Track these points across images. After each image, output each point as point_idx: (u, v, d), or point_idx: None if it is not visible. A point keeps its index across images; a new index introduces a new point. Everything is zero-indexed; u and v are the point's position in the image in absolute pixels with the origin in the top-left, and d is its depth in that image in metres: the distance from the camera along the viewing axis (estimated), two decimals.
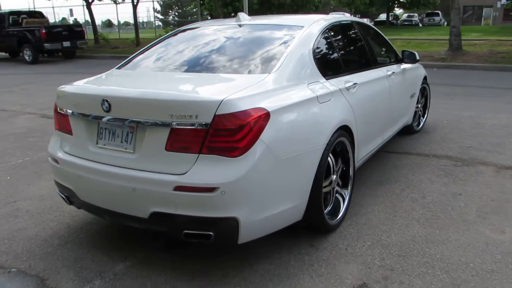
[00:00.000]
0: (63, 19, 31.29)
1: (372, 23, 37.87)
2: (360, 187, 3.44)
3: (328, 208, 2.75)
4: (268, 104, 2.11)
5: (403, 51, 4.18)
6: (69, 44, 14.86)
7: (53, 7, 39.44)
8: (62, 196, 2.56)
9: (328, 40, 2.95)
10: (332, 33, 3.03)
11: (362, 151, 3.21)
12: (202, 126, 1.99)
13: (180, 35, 3.22)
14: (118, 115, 2.17)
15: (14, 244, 2.65)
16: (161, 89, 2.25)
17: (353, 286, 2.14)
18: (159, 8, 49.02)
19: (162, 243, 2.60)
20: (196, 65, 2.65)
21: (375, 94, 3.26)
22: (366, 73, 3.24)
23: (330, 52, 2.96)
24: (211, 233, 2.04)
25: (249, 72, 2.44)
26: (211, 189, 1.96)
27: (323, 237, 2.63)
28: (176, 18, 47.34)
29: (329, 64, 2.89)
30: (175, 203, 2.03)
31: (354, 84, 2.93)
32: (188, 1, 40.88)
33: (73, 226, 2.86)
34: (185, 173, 2.01)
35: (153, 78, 2.64)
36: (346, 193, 2.91)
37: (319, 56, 2.74)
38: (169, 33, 3.36)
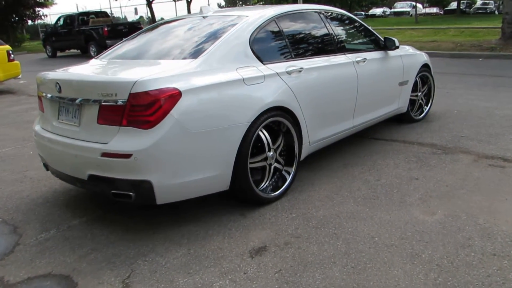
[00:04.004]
0: (125, 17, 33.56)
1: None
2: (322, 169, 3.62)
3: (266, 183, 3.00)
4: (182, 84, 2.43)
5: (384, 38, 4.21)
6: None
7: (120, 7, 42.43)
8: (43, 163, 3.10)
9: (274, 28, 3.17)
10: (282, 22, 3.24)
11: (318, 133, 3.38)
12: (121, 103, 2.37)
13: (153, 28, 3.63)
14: (67, 94, 2.64)
15: (9, 201, 3.26)
16: (94, 73, 2.66)
17: (253, 248, 2.40)
18: (223, 3, 50.34)
19: (119, 206, 3.04)
20: (142, 53, 3.06)
21: (330, 79, 3.40)
22: (321, 59, 3.40)
23: (274, 39, 3.17)
24: (132, 193, 2.42)
25: (182, 58, 2.77)
26: (127, 156, 2.34)
27: (256, 208, 2.90)
28: None
29: (271, 50, 3.11)
30: (103, 167, 2.44)
31: (300, 68, 3.12)
32: None
33: (58, 191, 3.41)
34: (109, 142, 2.41)
35: (104, 65, 3.07)
36: (291, 171, 3.13)
37: (259, 43, 2.98)
38: (147, 27, 3.79)
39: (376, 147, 4.19)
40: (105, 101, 2.43)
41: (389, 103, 4.36)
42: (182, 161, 2.45)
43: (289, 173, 3.13)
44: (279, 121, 2.97)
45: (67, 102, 2.69)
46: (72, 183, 2.78)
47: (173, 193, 2.49)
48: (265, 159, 2.93)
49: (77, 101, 2.59)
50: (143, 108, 2.33)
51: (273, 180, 3.07)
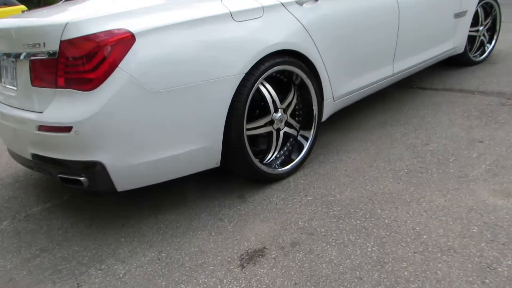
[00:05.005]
0: None
1: None
2: (352, 129, 2.83)
3: (273, 154, 2.28)
4: (135, 23, 1.69)
5: None
6: None
7: None
8: None
9: None
10: None
11: (346, 85, 2.57)
12: (51, 56, 1.68)
13: None
14: (3, 49, 1.97)
15: None
16: (23, 18, 1.95)
17: (247, 250, 1.72)
18: None
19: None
20: None
21: (359, 11, 2.52)
22: None
23: None
24: (82, 178, 1.78)
25: None
26: (66, 129, 1.68)
27: (261, 187, 2.20)
28: None
29: None
30: (41, 144, 1.80)
31: None
32: None
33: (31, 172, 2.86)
34: (44, 111, 1.76)
35: (49, 9, 2.32)
36: (309, 136, 2.38)
37: None
38: None
39: (423, 99, 3.31)
40: (34, 55, 1.75)
41: (442, 42, 3.40)
42: (145, 134, 1.76)
43: (307, 139, 2.39)
44: (289, 70, 2.19)
45: (5, 59, 2.04)
46: (25, 165, 2.18)
47: (137, 177, 1.83)
48: (271, 122, 2.19)
49: (11, 57, 1.94)
50: (81, 61, 1.63)
51: (284, 149, 2.34)
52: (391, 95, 3.45)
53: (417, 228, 1.74)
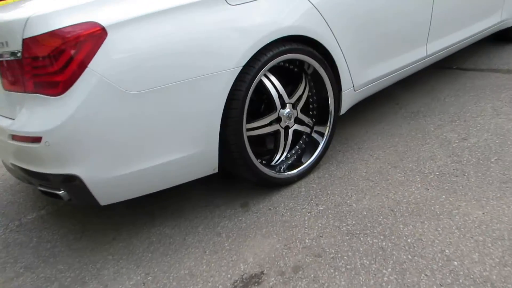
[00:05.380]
0: None
1: None
2: (377, 121, 2.50)
3: (281, 155, 2.01)
4: (106, 15, 1.45)
5: None
6: None
7: None
8: None
9: None
10: None
11: (369, 72, 2.24)
12: (15, 56, 1.48)
13: None
14: None
15: None
16: None
17: (242, 276, 1.49)
18: None
19: None
20: None
21: None
22: None
23: None
24: (61, 192, 1.60)
25: None
26: (36, 139, 1.49)
27: (267, 193, 1.95)
28: None
29: None
30: (17, 154, 1.63)
31: None
32: None
33: None
34: (15, 118, 1.57)
35: (18, 3, 2.11)
36: (325, 132, 2.09)
37: None
38: None
39: (464, 82, 2.90)
40: (0, 55, 1.57)
41: (487, 15, 2.95)
42: (125, 142, 1.54)
43: (323, 135, 2.10)
44: (298, 59, 1.90)
45: None
46: (13, 175, 2.02)
47: (122, 190, 1.62)
48: (277, 120, 1.92)
49: None
50: (47, 62, 1.42)
51: (296, 149, 2.07)
52: (426, 78, 3.06)
53: (447, 251, 1.44)
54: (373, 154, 2.15)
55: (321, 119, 2.12)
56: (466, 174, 1.85)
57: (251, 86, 1.73)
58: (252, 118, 1.87)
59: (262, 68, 1.75)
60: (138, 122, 1.53)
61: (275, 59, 1.78)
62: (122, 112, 1.49)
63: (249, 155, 1.78)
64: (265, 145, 2.04)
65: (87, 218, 2.04)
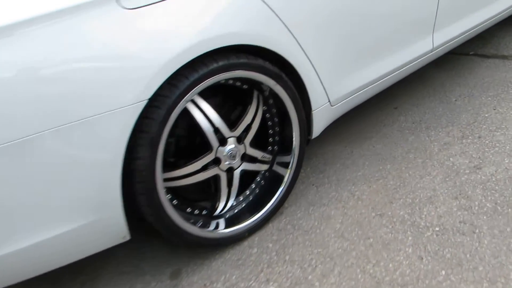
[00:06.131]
0: None
1: None
2: (366, 137, 1.96)
3: (228, 203, 1.51)
4: None
5: None
6: None
7: None
8: None
9: None
10: None
11: (351, 80, 1.69)
12: None
13: None
14: None
15: None
16: None
17: None
18: None
19: None
20: None
21: None
22: None
23: None
24: None
25: None
26: None
27: (207, 257, 1.47)
28: None
29: None
30: None
31: None
32: None
33: None
34: None
35: None
36: (290, 164, 1.57)
37: None
38: None
39: (481, 74, 2.31)
40: None
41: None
42: None
43: (287, 166, 1.58)
44: (243, 77, 1.37)
45: None
46: None
47: None
48: (215, 161, 1.41)
49: None
50: None
51: (247, 194, 1.57)
52: (434, 70, 2.47)
53: None
54: (354, 191, 1.63)
55: (287, 147, 1.60)
56: (477, 231, 1.33)
57: (166, 123, 1.22)
58: (185, 159, 1.38)
59: (184, 96, 1.23)
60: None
61: (204, 82, 1.26)
62: None
63: (170, 217, 1.29)
64: (207, 189, 1.54)
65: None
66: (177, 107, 1.23)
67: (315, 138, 1.66)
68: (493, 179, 1.53)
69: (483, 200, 1.45)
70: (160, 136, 1.21)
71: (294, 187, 1.63)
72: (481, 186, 1.51)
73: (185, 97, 1.23)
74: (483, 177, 1.55)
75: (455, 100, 2.12)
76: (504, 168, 1.58)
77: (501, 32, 2.80)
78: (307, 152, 1.87)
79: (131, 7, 1.13)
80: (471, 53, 2.63)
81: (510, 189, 1.47)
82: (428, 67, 2.51)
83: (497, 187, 1.49)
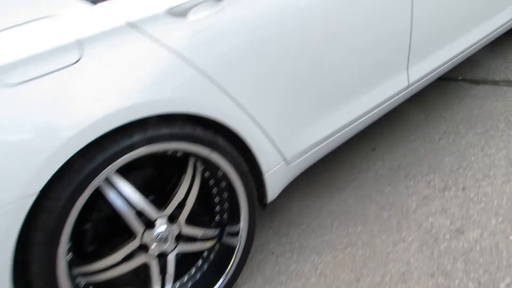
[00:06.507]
0: None
1: None
2: (338, 188, 1.74)
3: None
4: None
5: None
6: None
7: None
8: None
9: None
10: None
11: (309, 133, 1.48)
12: None
13: None
14: None
15: None
16: None
17: None
18: None
19: None
20: None
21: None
22: None
23: None
24: None
25: None
26: None
27: None
28: None
29: None
30: None
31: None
32: None
33: None
34: None
35: None
36: (237, 244, 1.36)
37: None
38: None
39: (469, 104, 2.10)
40: None
41: (498, 10, 2.10)
42: None
43: (234, 242, 1.36)
44: (170, 149, 1.17)
45: None
46: None
47: None
48: (142, 247, 1.19)
49: None
50: None
51: (189, 275, 1.35)
52: (418, 101, 2.24)
53: None
54: (318, 264, 1.41)
55: (238, 214, 1.38)
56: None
57: (68, 215, 1.01)
58: (109, 247, 1.17)
59: (91, 181, 1.03)
60: None
61: (115, 162, 1.05)
62: None
63: None
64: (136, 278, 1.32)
65: None
66: (82, 195, 1.02)
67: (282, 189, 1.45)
68: (477, 248, 1.30)
69: (464, 279, 1.22)
70: (60, 232, 1.01)
71: (251, 258, 1.42)
72: (462, 258, 1.28)
73: (91, 182, 1.03)
74: (465, 245, 1.32)
75: (439, 139, 1.90)
76: (490, 232, 1.35)
77: (491, 53, 2.57)
78: (271, 208, 1.67)
79: (15, 83, 0.94)
80: (459, 78, 2.40)
81: (496, 262, 1.24)
82: (410, 98, 2.29)
83: (481, 260, 1.26)
